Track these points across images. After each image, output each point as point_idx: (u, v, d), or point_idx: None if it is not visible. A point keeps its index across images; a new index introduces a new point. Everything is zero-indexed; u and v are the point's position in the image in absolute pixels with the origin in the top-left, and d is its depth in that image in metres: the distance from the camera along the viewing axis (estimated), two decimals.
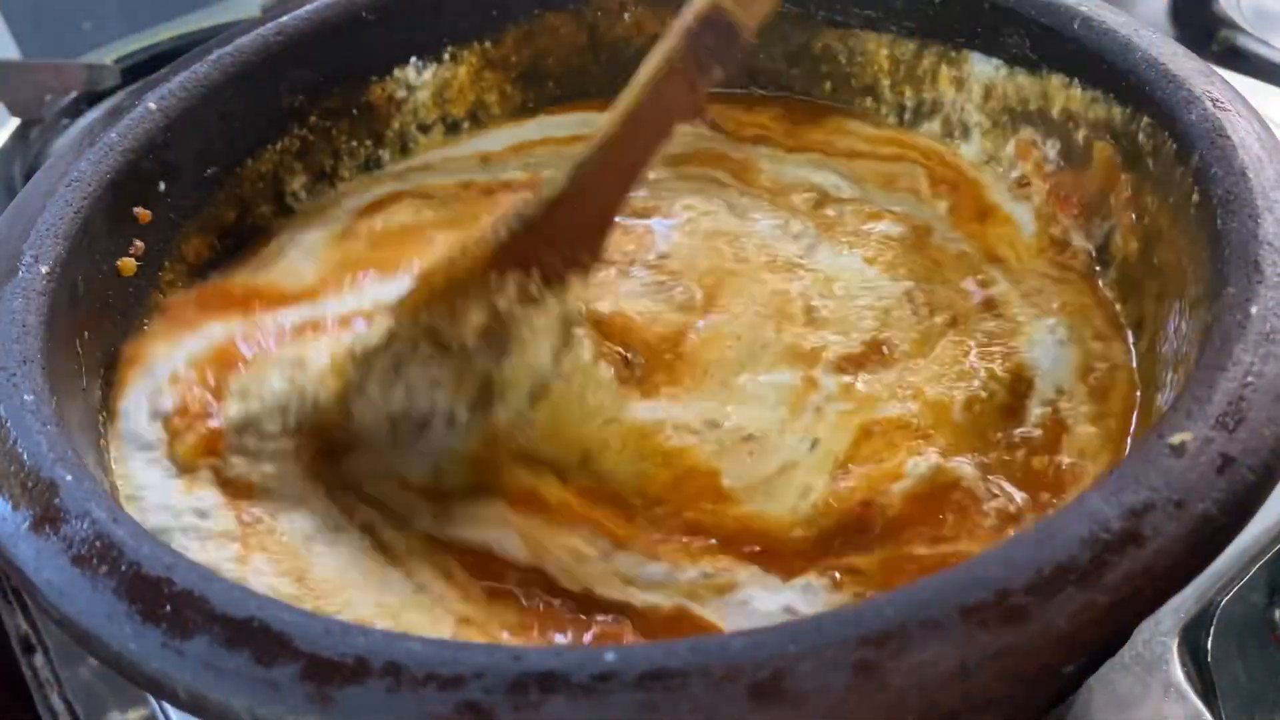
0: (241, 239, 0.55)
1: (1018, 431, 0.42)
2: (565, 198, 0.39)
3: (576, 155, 0.40)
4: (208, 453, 0.42)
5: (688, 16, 0.40)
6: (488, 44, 0.61)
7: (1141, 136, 0.47)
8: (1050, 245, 0.51)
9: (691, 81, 0.40)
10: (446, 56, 0.61)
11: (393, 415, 0.40)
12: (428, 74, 0.60)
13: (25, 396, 0.37)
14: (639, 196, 0.50)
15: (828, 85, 0.61)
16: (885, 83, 0.59)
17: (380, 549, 0.39)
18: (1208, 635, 0.42)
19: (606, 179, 0.40)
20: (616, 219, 0.42)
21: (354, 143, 0.59)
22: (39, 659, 0.48)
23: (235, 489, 0.41)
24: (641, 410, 0.43)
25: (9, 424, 0.36)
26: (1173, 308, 0.42)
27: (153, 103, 0.50)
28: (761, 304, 0.47)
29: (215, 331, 0.46)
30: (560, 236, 0.40)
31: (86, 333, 0.43)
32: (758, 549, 0.39)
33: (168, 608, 0.29)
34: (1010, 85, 0.54)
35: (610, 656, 0.27)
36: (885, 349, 0.45)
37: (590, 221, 0.41)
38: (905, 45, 0.58)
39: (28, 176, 0.68)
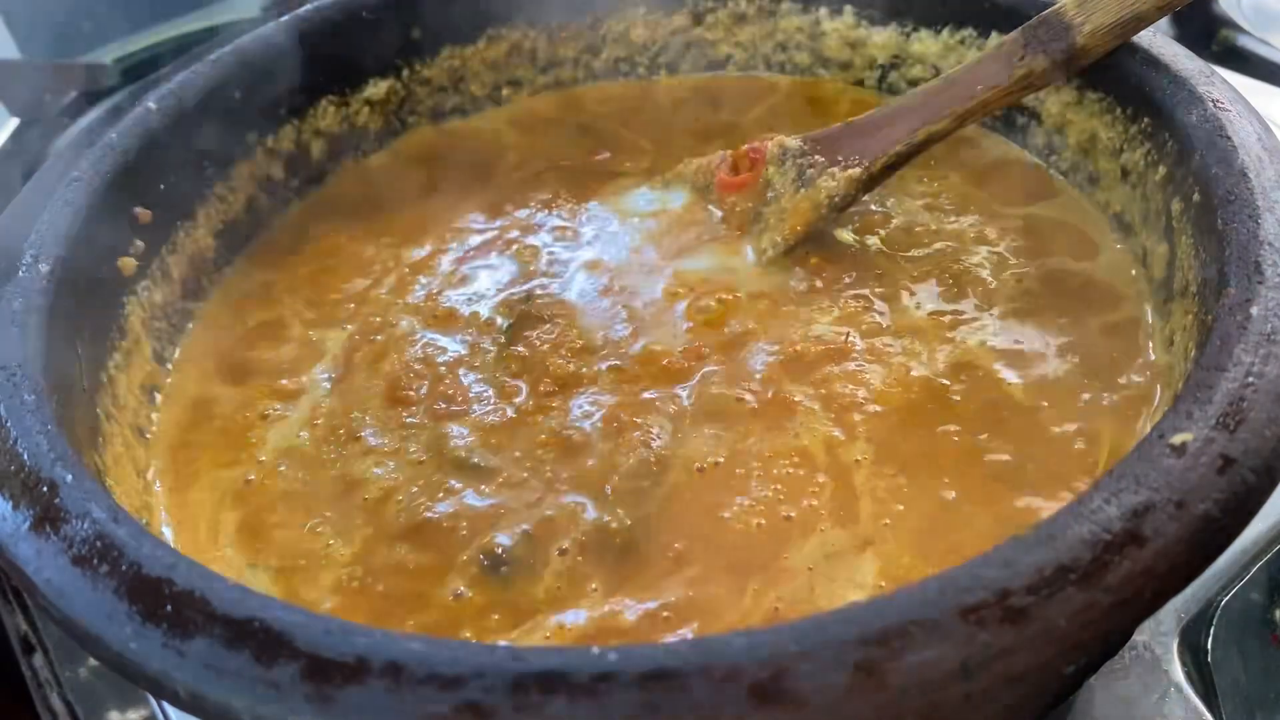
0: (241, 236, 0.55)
1: None
2: (866, 123, 0.51)
3: (900, 98, 0.51)
4: None
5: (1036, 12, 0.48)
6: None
7: (1142, 137, 0.47)
8: None
9: (1010, 62, 0.48)
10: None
11: None
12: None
13: (25, 396, 0.37)
14: None
15: None
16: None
17: None
18: (1208, 635, 0.42)
19: (904, 118, 0.50)
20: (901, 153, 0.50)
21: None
22: (39, 659, 0.48)
23: None
24: None
25: (9, 424, 0.36)
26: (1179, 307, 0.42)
27: (153, 103, 0.50)
28: None
29: None
30: (848, 147, 0.51)
31: (86, 333, 0.43)
32: None
33: (168, 608, 0.29)
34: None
35: (611, 657, 0.27)
36: None
37: (875, 145, 0.50)
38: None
39: (28, 176, 0.68)
